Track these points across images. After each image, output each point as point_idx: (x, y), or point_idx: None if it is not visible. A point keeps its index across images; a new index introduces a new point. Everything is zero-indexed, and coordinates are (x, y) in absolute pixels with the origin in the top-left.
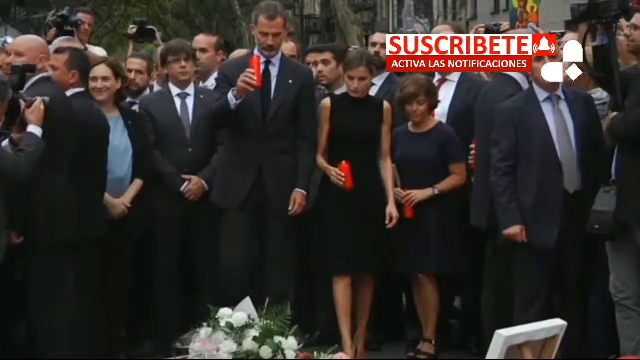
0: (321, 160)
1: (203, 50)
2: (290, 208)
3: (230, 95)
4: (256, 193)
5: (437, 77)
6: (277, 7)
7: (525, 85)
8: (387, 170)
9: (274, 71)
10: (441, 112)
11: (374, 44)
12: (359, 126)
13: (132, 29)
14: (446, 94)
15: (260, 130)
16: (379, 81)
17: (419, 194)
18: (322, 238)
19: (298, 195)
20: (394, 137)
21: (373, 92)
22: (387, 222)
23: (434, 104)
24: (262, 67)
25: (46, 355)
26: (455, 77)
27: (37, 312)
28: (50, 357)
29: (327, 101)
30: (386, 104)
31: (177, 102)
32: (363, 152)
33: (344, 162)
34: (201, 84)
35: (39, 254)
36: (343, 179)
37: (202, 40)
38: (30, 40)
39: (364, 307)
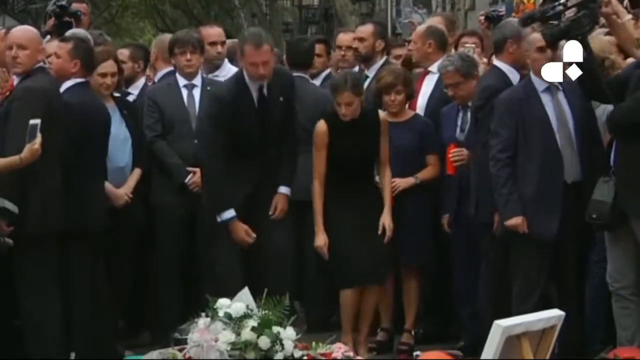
0: (318, 196)
1: (214, 44)
2: (271, 212)
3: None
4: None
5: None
6: (262, 35)
7: (512, 76)
8: (386, 179)
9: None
10: (421, 103)
11: (339, 47)
12: (360, 149)
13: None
14: (428, 87)
15: (258, 150)
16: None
17: (402, 183)
18: (328, 253)
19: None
20: None
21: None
22: (379, 232)
23: (410, 93)
24: (255, 94)
25: (34, 344)
26: (437, 69)
27: (27, 302)
28: (37, 346)
29: (322, 126)
30: (381, 114)
31: (184, 93)
32: (363, 171)
33: None
34: (209, 76)
35: (29, 245)
36: None
37: (213, 33)
38: (29, 32)
39: (366, 314)
